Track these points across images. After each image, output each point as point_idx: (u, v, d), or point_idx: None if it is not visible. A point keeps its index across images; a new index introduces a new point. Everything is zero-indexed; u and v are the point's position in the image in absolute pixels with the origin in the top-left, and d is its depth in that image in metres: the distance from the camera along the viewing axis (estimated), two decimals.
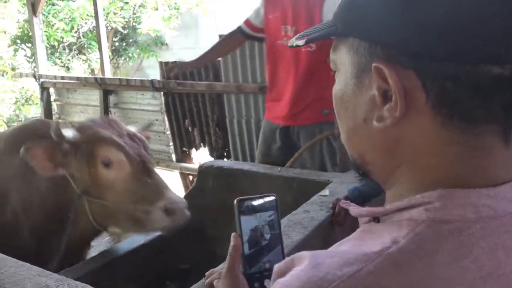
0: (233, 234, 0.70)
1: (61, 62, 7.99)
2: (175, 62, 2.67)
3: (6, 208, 1.89)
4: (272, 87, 2.58)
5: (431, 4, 0.45)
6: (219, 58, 3.61)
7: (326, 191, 1.85)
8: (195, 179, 4.19)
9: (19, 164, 1.82)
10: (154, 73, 10.64)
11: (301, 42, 0.57)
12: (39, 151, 1.63)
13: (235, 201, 0.72)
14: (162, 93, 4.10)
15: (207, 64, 2.95)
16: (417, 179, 0.50)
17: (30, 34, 7.48)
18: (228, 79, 3.72)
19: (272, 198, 0.75)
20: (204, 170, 2.47)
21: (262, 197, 0.74)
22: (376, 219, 0.54)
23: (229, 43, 2.77)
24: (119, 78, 4.56)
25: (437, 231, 0.46)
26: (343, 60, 0.55)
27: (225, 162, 2.47)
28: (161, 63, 4.14)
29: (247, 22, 2.63)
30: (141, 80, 4.23)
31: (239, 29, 2.66)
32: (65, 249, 1.79)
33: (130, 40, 8.88)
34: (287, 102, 2.46)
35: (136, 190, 1.68)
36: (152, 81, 4.07)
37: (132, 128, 1.93)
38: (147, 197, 1.67)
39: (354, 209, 0.58)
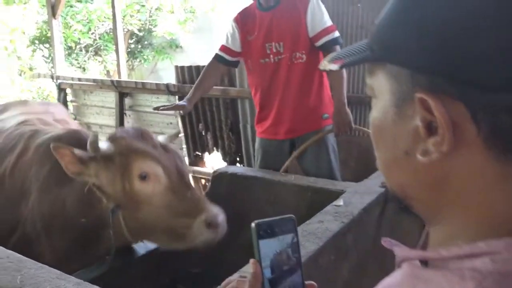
0: (251, 260, 0.66)
1: (78, 63, 8.11)
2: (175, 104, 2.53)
3: (25, 222, 1.83)
4: (264, 106, 2.54)
5: (482, 29, 0.41)
6: None
7: (340, 201, 1.84)
8: (207, 183, 4.23)
9: (46, 176, 1.79)
10: (168, 75, 10.73)
11: (334, 67, 0.53)
12: (68, 153, 1.58)
13: (253, 225, 0.67)
14: (177, 96, 4.13)
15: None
16: (471, 220, 0.46)
17: (48, 35, 7.63)
18: (243, 85, 3.74)
19: (290, 219, 0.71)
20: (218, 176, 2.48)
21: (280, 219, 0.71)
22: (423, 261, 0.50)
23: (212, 74, 2.65)
24: (135, 81, 4.61)
25: (507, 285, 0.41)
26: (381, 86, 0.51)
27: (239, 169, 2.48)
28: (176, 67, 4.18)
29: (224, 48, 2.57)
30: (156, 84, 4.28)
31: (218, 57, 2.58)
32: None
33: (145, 42, 8.98)
34: (287, 115, 2.45)
35: (175, 203, 1.61)
36: (167, 85, 4.11)
37: (162, 139, 1.86)
38: (187, 211, 1.60)
39: (401, 251, 0.52)
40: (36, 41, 7.97)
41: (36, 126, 2.16)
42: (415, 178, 0.49)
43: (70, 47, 7.93)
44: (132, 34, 8.60)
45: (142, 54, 8.90)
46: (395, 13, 0.48)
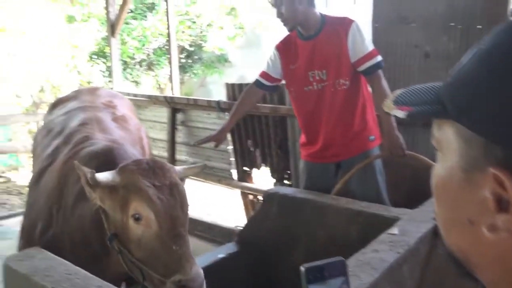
0: None
1: (132, 77, 8.46)
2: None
3: (49, 231, 1.93)
4: (308, 131, 2.58)
5: None
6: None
7: (395, 230, 1.81)
8: (255, 199, 4.27)
9: (80, 189, 1.83)
10: (216, 88, 10.96)
11: (401, 114, 0.51)
12: (83, 174, 1.64)
13: (302, 269, 0.65)
14: (226, 113, 4.21)
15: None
16: None
17: (105, 50, 8.04)
18: None
19: (341, 262, 0.69)
20: (268, 196, 2.51)
21: (331, 263, 0.69)
22: None
23: (249, 99, 2.73)
24: (187, 98, 4.76)
25: None
26: (449, 144, 0.47)
27: (290, 190, 2.49)
28: (227, 84, 4.26)
29: (263, 74, 2.64)
30: (207, 101, 4.39)
31: (257, 82, 2.66)
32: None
33: (196, 57, 9.24)
34: (332, 140, 2.47)
35: (158, 253, 1.61)
36: (218, 102, 4.21)
37: (188, 171, 1.89)
38: (166, 265, 1.59)
39: None
40: (95, 56, 8.40)
41: (91, 132, 2.24)
42: (478, 249, 0.46)
43: (125, 62, 8.30)
44: (183, 49, 8.87)
45: (192, 68, 9.15)
46: (476, 73, 0.45)
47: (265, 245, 2.49)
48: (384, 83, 2.39)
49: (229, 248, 2.57)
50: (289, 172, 4.03)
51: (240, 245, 2.57)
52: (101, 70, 8.45)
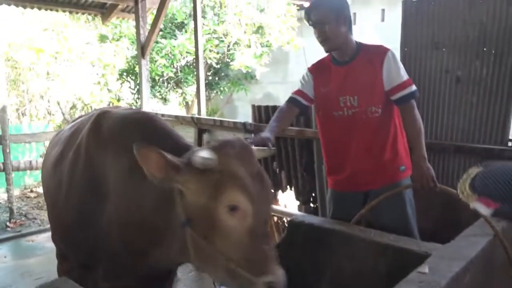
0: None
1: (160, 94, 8.61)
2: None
3: (102, 216, 1.82)
4: (336, 158, 2.51)
5: None
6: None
7: (425, 268, 1.74)
8: (279, 221, 4.23)
9: (125, 167, 1.74)
10: (242, 105, 11.05)
11: (487, 212, 0.50)
12: (156, 157, 1.50)
13: None
14: (252, 135, 4.21)
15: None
16: None
17: (135, 68, 8.23)
18: None
19: None
20: (294, 225, 2.47)
21: None
22: None
23: (288, 117, 2.57)
24: (213, 119, 4.79)
25: None
26: None
27: (316, 219, 2.44)
28: (253, 106, 4.28)
29: (300, 93, 2.55)
30: (234, 122, 4.41)
31: (293, 100, 2.54)
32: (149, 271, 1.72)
33: (222, 74, 9.34)
34: (361, 168, 2.40)
35: (249, 250, 1.51)
36: (244, 124, 4.22)
37: (259, 152, 1.77)
38: (255, 264, 1.50)
39: None
40: (124, 74, 8.61)
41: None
42: None
43: (154, 80, 8.46)
44: (210, 67, 8.99)
45: (219, 86, 9.25)
46: None
47: (289, 274, 2.44)
48: (417, 113, 2.33)
49: None
50: (314, 194, 3.99)
51: None
52: (130, 88, 8.64)
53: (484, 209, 0.43)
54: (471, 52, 2.89)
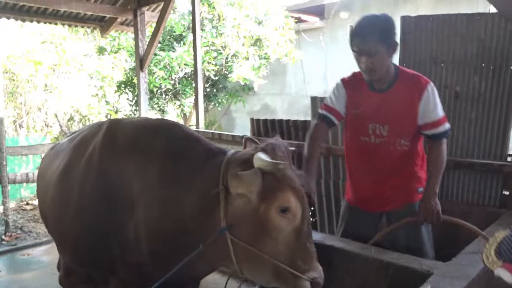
0: None
1: (158, 106, 8.60)
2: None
3: (127, 226, 1.78)
4: (358, 179, 2.47)
5: None
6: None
7: (427, 287, 1.73)
8: None
9: (155, 174, 1.71)
10: (240, 116, 11.06)
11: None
12: (258, 181, 1.53)
13: None
14: None
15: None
16: None
17: (133, 80, 8.24)
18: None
19: None
20: None
21: None
22: None
23: (321, 138, 2.45)
24: (211, 132, 4.79)
25: None
26: None
27: (317, 235, 2.42)
28: (252, 120, 4.28)
29: (333, 111, 2.39)
30: (232, 135, 4.41)
31: (325, 118, 2.40)
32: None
33: (220, 86, 9.35)
34: (382, 192, 2.36)
35: (296, 248, 1.58)
36: (243, 137, 4.20)
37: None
38: (301, 261, 1.58)
39: None
40: (122, 86, 8.60)
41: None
42: None
43: (152, 91, 8.46)
44: (208, 79, 9.01)
45: (216, 97, 9.25)
46: None
47: None
48: (444, 150, 2.26)
49: None
50: (312, 208, 3.97)
51: None
52: (128, 99, 8.64)
53: (508, 276, 0.42)
54: (470, 68, 2.91)
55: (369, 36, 2.11)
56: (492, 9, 6.21)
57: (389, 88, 2.26)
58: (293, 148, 1.82)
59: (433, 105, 2.21)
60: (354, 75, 2.40)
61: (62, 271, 2.23)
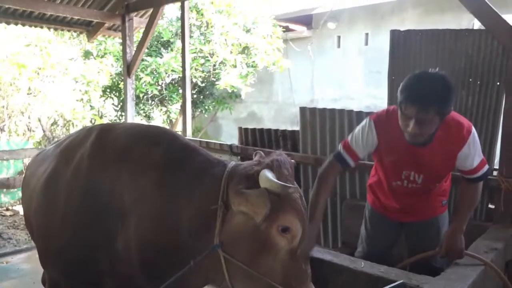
0: None
1: (144, 112, 8.52)
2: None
3: (116, 238, 1.72)
4: (384, 195, 2.44)
5: None
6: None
7: None
8: None
9: (149, 186, 1.66)
10: (227, 124, 11.04)
11: None
12: (259, 203, 1.50)
13: None
14: (239, 157, 4.19)
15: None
16: None
17: (119, 85, 8.15)
18: (306, 151, 3.73)
19: (402, 284, 0.81)
20: None
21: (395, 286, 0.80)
22: None
23: (332, 179, 2.27)
24: (199, 140, 4.76)
25: None
26: None
27: None
28: (240, 129, 4.26)
29: (351, 152, 2.23)
30: (220, 144, 4.39)
31: (342, 161, 2.23)
32: None
33: (207, 92, 9.32)
34: (410, 209, 2.37)
35: (292, 268, 1.57)
36: (231, 146, 4.20)
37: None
38: (295, 283, 1.57)
39: None
40: (108, 90, 8.50)
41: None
42: None
43: (138, 97, 8.38)
44: (195, 85, 8.97)
45: (203, 104, 9.21)
46: None
47: None
48: (479, 191, 2.23)
49: None
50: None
51: None
52: (113, 104, 8.53)
53: None
54: (457, 82, 2.94)
55: (427, 106, 1.91)
56: (476, 24, 6.33)
57: (429, 143, 2.11)
58: (293, 161, 1.78)
59: (473, 154, 2.12)
60: (388, 115, 2.20)
61: (48, 285, 2.16)
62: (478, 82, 2.89)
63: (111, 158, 1.81)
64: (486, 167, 2.21)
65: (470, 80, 2.92)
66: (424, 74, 2.04)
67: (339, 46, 9.29)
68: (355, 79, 8.77)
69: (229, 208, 1.60)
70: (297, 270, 1.59)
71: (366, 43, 8.85)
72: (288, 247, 1.57)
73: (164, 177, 1.66)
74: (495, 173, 2.92)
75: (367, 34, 8.80)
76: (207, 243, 1.60)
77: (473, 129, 2.13)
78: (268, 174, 1.53)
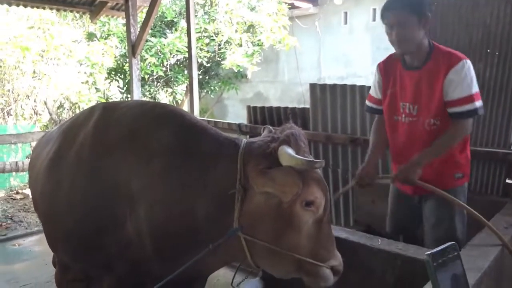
0: None
1: (149, 93, 8.46)
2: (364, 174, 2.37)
3: (125, 224, 1.66)
4: (397, 157, 2.43)
5: None
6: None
7: None
8: None
9: (159, 173, 1.59)
10: (233, 104, 10.95)
11: None
12: (288, 182, 1.48)
13: (428, 258, 0.77)
14: (248, 136, 4.13)
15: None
16: None
17: (124, 67, 8.06)
18: (317, 128, 3.67)
19: (453, 245, 0.83)
20: None
21: (446, 248, 0.82)
22: None
23: (382, 129, 2.48)
24: (207, 120, 4.70)
25: None
26: None
27: None
28: (248, 107, 4.19)
29: (373, 99, 2.51)
30: (228, 123, 4.32)
31: (367, 108, 2.57)
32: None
33: (213, 73, 9.22)
34: (422, 176, 2.25)
35: (319, 239, 1.57)
36: (239, 125, 4.14)
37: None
38: (322, 251, 1.58)
39: None
40: (113, 73, 8.42)
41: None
42: None
43: (144, 79, 8.30)
44: (200, 66, 8.87)
45: (209, 85, 9.12)
46: None
47: (291, 283, 2.37)
48: (458, 134, 2.17)
49: (253, 285, 2.46)
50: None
51: (264, 282, 2.46)
52: (118, 87, 8.47)
53: None
54: (474, 54, 2.85)
55: (400, 7, 2.13)
56: None
57: (421, 67, 2.22)
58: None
59: (459, 81, 2.10)
60: (390, 56, 2.42)
61: (58, 268, 2.14)
62: (496, 53, 2.79)
63: (115, 140, 1.73)
64: (474, 105, 2.11)
65: (488, 51, 2.82)
66: None
67: (346, 22, 9.10)
68: (362, 56, 8.61)
69: (247, 190, 1.54)
70: (323, 239, 1.59)
71: (374, 19, 8.66)
72: (313, 219, 1.56)
73: (173, 163, 1.58)
74: None
75: (374, 9, 8.60)
76: (226, 226, 1.55)
77: (466, 61, 2.12)
78: (288, 150, 1.48)
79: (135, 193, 1.65)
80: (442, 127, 2.20)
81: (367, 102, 2.56)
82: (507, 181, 2.86)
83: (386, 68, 2.39)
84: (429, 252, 0.69)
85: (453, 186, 2.29)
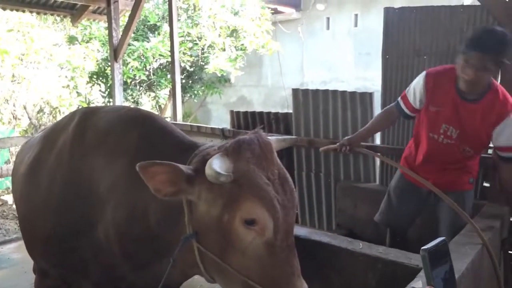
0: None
1: (132, 98, 8.38)
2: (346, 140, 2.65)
3: (97, 227, 1.67)
4: (417, 166, 2.52)
5: None
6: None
7: (418, 283, 1.69)
8: None
9: (122, 173, 1.60)
10: (216, 108, 10.93)
11: None
12: (162, 173, 1.35)
13: (424, 253, 0.77)
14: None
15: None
16: None
17: (106, 71, 7.98)
18: (299, 133, 3.69)
19: (443, 241, 0.82)
20: None
21: (438, 243, 0.81)
22: None
23: (388, 120, 2.68)
24: (190, 124, 4.69)
25: None
26: None
27: (303, 231, 2.37)
28: (232, 112, 4.20)
29: (407, 102, 2.50)
30: (211, 128, 4.32)
31: (399, 107, 2.55)
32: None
33: (196, 77, 9.19)
34: (439, 177, 2.43)
35: (266, 265, 1.35)
36: (222, 130, 4.13)
37: (280, 143, 1.69)
38: (277, 281, 1.35)
39: None
40: (94, 77, 8.33)
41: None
42: None
43: (126, 83, 8.22)
44: (183, 70, 8.83)
45: (192, 89, 9.09)
46: None
47: None
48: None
49: None
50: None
51: None
52: (100, 91, 8.37)
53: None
54: (452, 60, 2.88)
55: (492, 53, 2.07)
56: (467, 1, 6.26)
57: (477, 101, 2.25)
58: (288, 137, 1.70)
59: (510, 132, 2.21)
60: (443, 71, 2.37)
61: (37, 275, 2.12)
62: None
63: (91, 143, 1.74)
64: None
65: None
66: (490, 27, 2.32)
67: (328, 28, 9.20)
68: (344, 61, 8.71)
69: None
70: (280, 267, 1.36)
71: (356, 24, 8.78)
72: (259, 240, 1.35)
73: (135, 163, 1.47)
74: (490, 151, 2.91)
75: (356, 15, 8.72)
76: (181, 234, 1.48)
77: None
78: (214, 161, 1.34)
79: (103, 195, 1.66)
80: (473, 155, 2.40)
81: (402, 104, 2.52)
82: (484, 184, 2.92)
83: (435, 84, 2.34)
84: (424, 247, 0.72)
85: (468, 188, 2.49)
